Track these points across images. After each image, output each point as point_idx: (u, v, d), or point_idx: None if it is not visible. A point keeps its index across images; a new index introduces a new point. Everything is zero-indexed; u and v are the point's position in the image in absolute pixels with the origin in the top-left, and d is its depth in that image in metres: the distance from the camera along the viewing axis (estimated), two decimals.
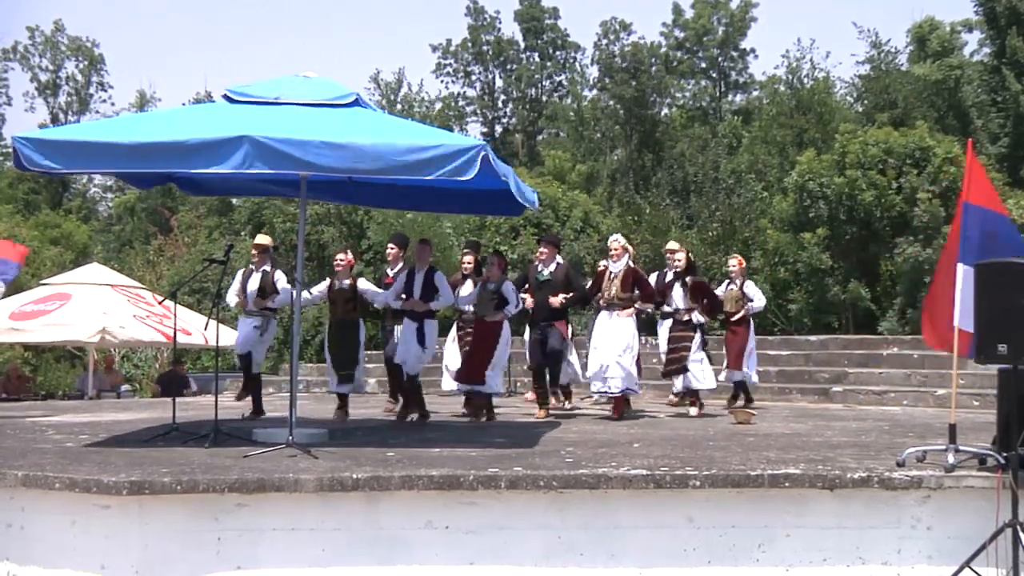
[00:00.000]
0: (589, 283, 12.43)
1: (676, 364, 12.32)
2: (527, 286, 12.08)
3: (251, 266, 11.97)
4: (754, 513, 7.03)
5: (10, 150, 9.49)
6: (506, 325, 11.49)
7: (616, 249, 11.84)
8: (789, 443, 9.16)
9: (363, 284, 11.83)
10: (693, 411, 12.60)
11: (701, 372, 12.29)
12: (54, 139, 8.10)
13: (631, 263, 11.89)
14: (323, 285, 11.91)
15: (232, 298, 11.86)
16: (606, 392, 11.79)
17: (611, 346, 11.52)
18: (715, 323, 13.89)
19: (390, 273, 12.43)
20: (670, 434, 10.07)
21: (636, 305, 11.86)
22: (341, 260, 11.83)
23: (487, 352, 11.35)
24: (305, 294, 11.55)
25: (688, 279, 12.30)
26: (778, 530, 7.02)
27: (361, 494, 6.84)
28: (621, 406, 11.91)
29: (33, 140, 7.97)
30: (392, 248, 12.70)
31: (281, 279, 11.68)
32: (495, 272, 11.40)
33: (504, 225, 26.97)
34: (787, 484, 7.00)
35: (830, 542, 7.02)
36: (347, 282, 11.69)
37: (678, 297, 12.29)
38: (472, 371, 11.46)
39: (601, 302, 11.89)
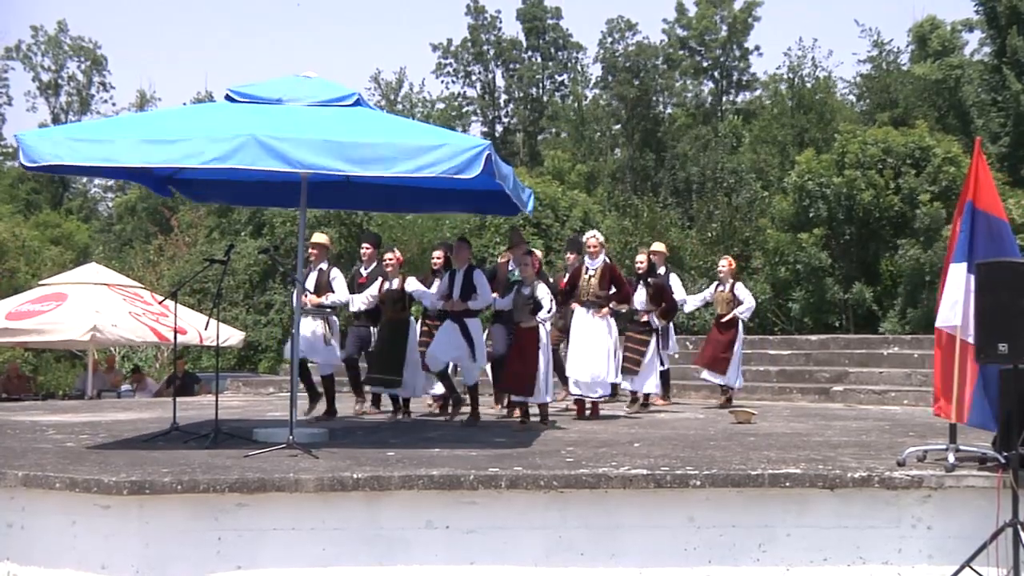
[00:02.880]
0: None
1: (630, 364, 12.23)
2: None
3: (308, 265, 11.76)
4: (755, 513, 7.03)
5: (11, 149, 9.49)
6: (543, 329, 10.93)
7: (594, 245, 11.55)
8: (790, 443, 9.16)
9: (411, 284, 11.50)
10: (627, 409, 12.69)
11: (648, 376, 12.40)
12: (57, 137, 8.10)
13: (608, 260, 11.67)
14: (375, 287, 11.64)
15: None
16: (591, 397, 11.55)
17: (592, 350, 11.33)
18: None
19: (364, 273, 12.25)
20: (671, 434, 10.07)
21: (611, 305, 11.51)
22: (390, 259, 11.58)
23: (532, 361, 10.71)
24: (360, 299, 11.70)
25: (650, 280, 12.31)
26: (779, 529, 7.02)
27: (361, 494, 6.84)
28: (597, 409, 11.81)
29: (36, 137, 7.99)
30: (367, 248, 12.53)
31: (338, 277, 11.68)
32: (529, 272, 10.92)
33: (504, 225, 26.96)
34: (788, 484, 7.00)
35: (831, 541, 7.02)
36: (396, 282, 11.51)
37: (639, 298, 12.21)
38: (519, 382, 10.84)
39: (577, 300, 11.56)
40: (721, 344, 13.53)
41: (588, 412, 11.75)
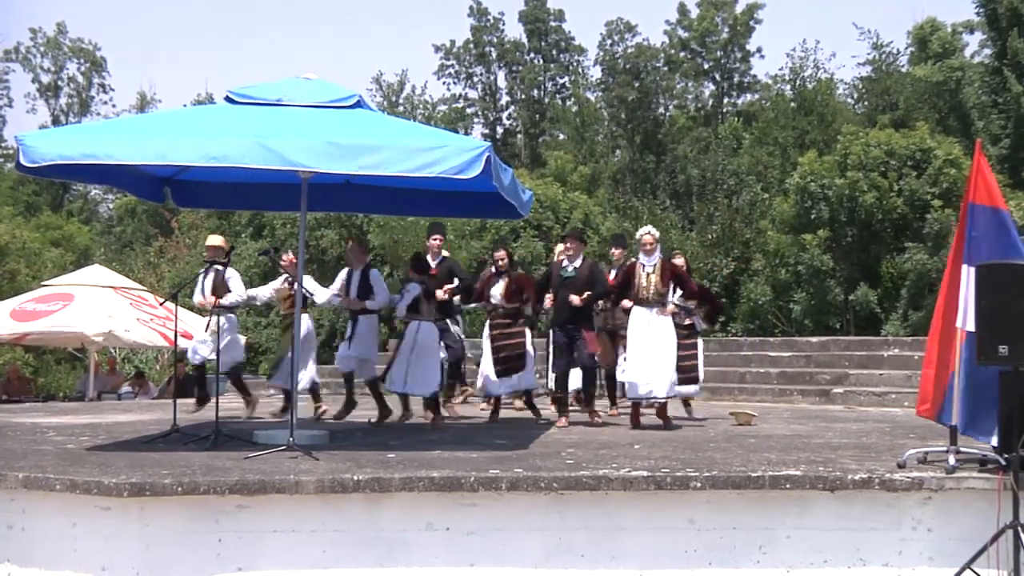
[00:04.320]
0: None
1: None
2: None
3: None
4: (755, 514, 7.03)
5: (12, 151, 9.50)
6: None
7: (648, 242, 10.88)
8: (790, 444, 9.16)
9: (307, 283, 11.72)
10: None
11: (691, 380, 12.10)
12: (57, 138, 8.10)
13: (664, 256, 11.11)
14: (277, 283, 12.22)
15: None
16: (651, 398, 10.88)
17: (658, 350, 10.65)
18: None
19: (433, 264, 12.17)
20: (671, 436, 10.07)
21: (675, 303, 10.99)
22: (287, 260, 11.86)
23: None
24: (263, 293, 12.32)
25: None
26: (779, 531, 7.02)
27: (362, 496, 6.84)
28: (666, 413, 11.19)
29: (36, 138, 7.99)
30: (437, 239, 12.54)
31: (234, 277, 11.95)
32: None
33: (504, 227, 26.99)
34: (788, 485, 7.00)
35: (831, 543, 7.02)
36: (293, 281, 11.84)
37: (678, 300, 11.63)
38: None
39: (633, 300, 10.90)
40: None
41: (659, 416, 11.16)
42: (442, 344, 11.73)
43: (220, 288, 11.75)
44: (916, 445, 8.30)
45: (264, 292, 12.45)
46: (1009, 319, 6.83)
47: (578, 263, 11.16)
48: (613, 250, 12.74)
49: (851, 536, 7.03)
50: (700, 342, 12.11)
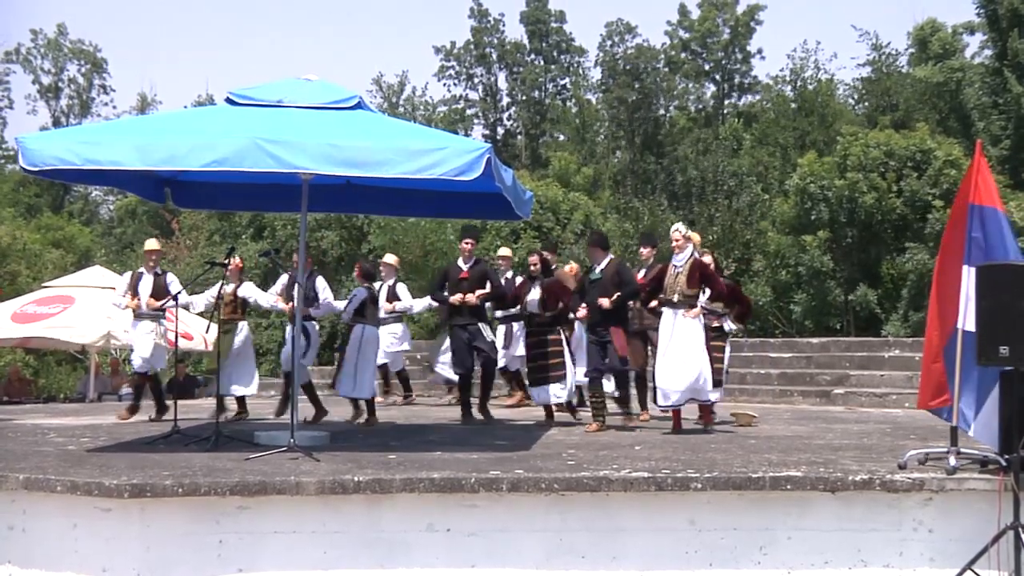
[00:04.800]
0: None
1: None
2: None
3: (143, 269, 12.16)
4: (756, 515, 7.03)
5: (13, 152, 9.51)
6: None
7: (677, 239, 10.47)
8: (790, 445, 9.16)
9: (245, 290, 12.01)
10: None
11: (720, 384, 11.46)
12: (57, 140, 8.12)
13: (697, 255, 10.54)
14: (214, 289, 11.99)
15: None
16: (676, 406, 10.43)
17: (687, 354, 10.15)
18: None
19: (464, 267, 12.14)
20: (671, 437, 10.06)
21: (702, 305, 10.50)
22: (232, 264, 11.88)
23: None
24: (200, 299, 12.14)
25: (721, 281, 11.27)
26: (780, 532, 7.02)
27: (362, 497, 6.84)
28: (708, 415, 10.79)
29: (36, 140, 8.00)
30: (468, 243, 12.41)
31: (174, 281, 12.05)
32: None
33: (505, 228, 26.97)
34: (788, 487, 7.00)
35: (832, 544, 7.02)
36: (231, 286, 11.96)
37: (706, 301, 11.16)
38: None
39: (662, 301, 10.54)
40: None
41: (700, 420, 10.81)
42: (475, 348, 11.75)
43: (160, 292, 11.78)
44: (917, 446, 8.30)
45: (200, 300, 12.31)
46: (1009, 320, 6.83)
47: (604, 264, 10.98)
48: (642, 249, 12.53)
49: (852, 537, 7.03)
50: (728, 346, 11.64)
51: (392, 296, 13.73)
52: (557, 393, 11.43)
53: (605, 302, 10.56)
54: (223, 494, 6.73)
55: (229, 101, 9.07)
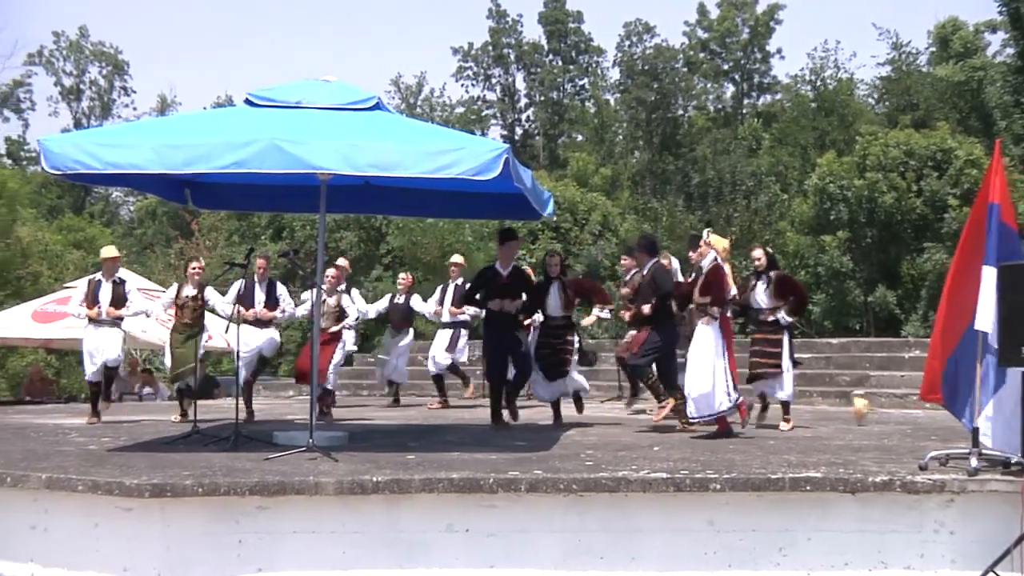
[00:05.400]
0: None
1: (762, 369, 11.18)
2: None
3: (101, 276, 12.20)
4: (775, 517, 7.00)
5: (35, 154, 9.57)
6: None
7: (699, 245, 10.48)
8: (810, 446, 9.13)
9: (209, 293, 12.07)
10: (785, 426, 11.20)
11: (785, 381, 11.20)
12: (78, 142, 8.14)
13: (718, 260, 10.35)
14: (171, 293, 12.30)
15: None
16: (704, 417, 10.18)
17: (695, 362, 10.08)
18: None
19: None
20: (690, 437, 10.03)
21: (710, 311, 10.21)
22: (195, 268, 12.17)
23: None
24: (157, 306, 12.37)
25: (771, 274, 11.20)
26: (799, 534, 6.99)
27: (381, 497, 6.85)
28: (724, 425, 10.29)
29: (58, 143, 8.04)
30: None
31: (132, 289, 12.21)
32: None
33: (522, 229, 26.97)
34: (808, 488, 6.97)
35: (852, 546, 6.98)
36: (195, 290, 12.01)
37: (759, 296, 11.19)
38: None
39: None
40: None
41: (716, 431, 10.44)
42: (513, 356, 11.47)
43: (119, 301, 11.85)
44: (938, 447, 8.25)
45: (157, 306, 12.46)
46: None
47: (646, 269, 11.12)
48: (690, 252, 12.39)
49: (872, 538, 7.00)
50: (786, 337, 11.17)
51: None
52: (577, 380, 11.74)
53: (646, 308, 10.78)
54: (243, 494, 6.75)
55: (248, 102, 9.09)
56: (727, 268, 10.58)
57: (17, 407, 16.58)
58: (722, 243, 10.67)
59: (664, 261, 11.90)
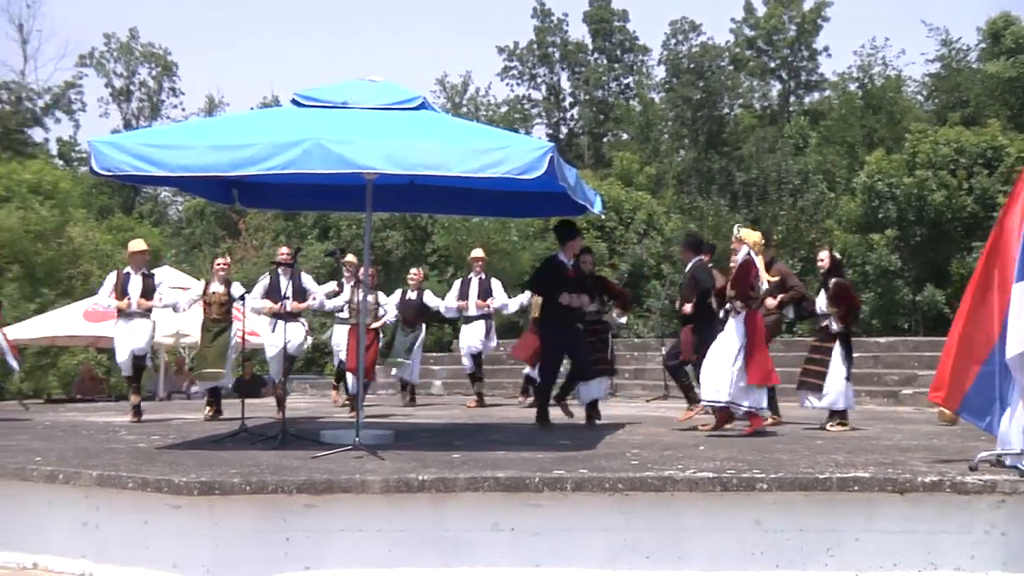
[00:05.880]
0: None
1: (809, 377, 11.00)
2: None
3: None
4: (823, 517, 6.95)
5: (86, 155, 9.70)
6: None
7: (732, 242, 10.40)
8: (858, 446, 9.05)
9: (235, 288, 12.32)
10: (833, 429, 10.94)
11: (836, 390, 10.89)
12: (127, 143, 8.23)
13: (751, 255, 10.21)
14: (199, 288, 12.77)
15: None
16: (713, 403, 10.25)
17: (710, 351, 10.19)
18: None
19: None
20: (736, 437, 9.99)
21: (736, 305, 10.14)
22: (220, 264, 12.63)
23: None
24: (184, 299, 12.66)
25: (831, 280, 10.99)
26: (847, 534, 6.93)
27: (427, 495, 6.87)
28: (758, 423, 10.26)
29: (107, 144, 8.13)
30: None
31: (163, 281, 12.52)
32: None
33: None
34: (856, 488, 6.91)
35: (900, 547, 6.92)
36: (222, 287, 12.36)
37: (820, 301, 11.08)
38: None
39: None
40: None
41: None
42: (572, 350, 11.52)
43: (149, 292, 12.03)
44: (988, 447, 8.12)
45: (183, 298, 12.64)
46: None
47: (688, 267, 11.34)
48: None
49: (922, 539, 6.92)
50: (837, 347, 10.89)
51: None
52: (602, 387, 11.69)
53: (687, 307, 11.04)
54: (290, 492, 6.80)
55: (294, 102, 9.16)
56: (759, 261, 10.35)
57: (68, 405, 16.82)
58: (753, 236, 10.41)
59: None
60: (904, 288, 23.48)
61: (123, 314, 12.00)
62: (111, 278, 12.30)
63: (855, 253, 24.14)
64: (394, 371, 15.37)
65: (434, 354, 20.90)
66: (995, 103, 31.30)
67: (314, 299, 12.53)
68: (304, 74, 75.83)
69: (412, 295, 14.96)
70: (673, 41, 48.86)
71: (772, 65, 49.34)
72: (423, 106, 9.18)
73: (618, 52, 54.13)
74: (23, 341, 21.19)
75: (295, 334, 11.96)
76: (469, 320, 14.82)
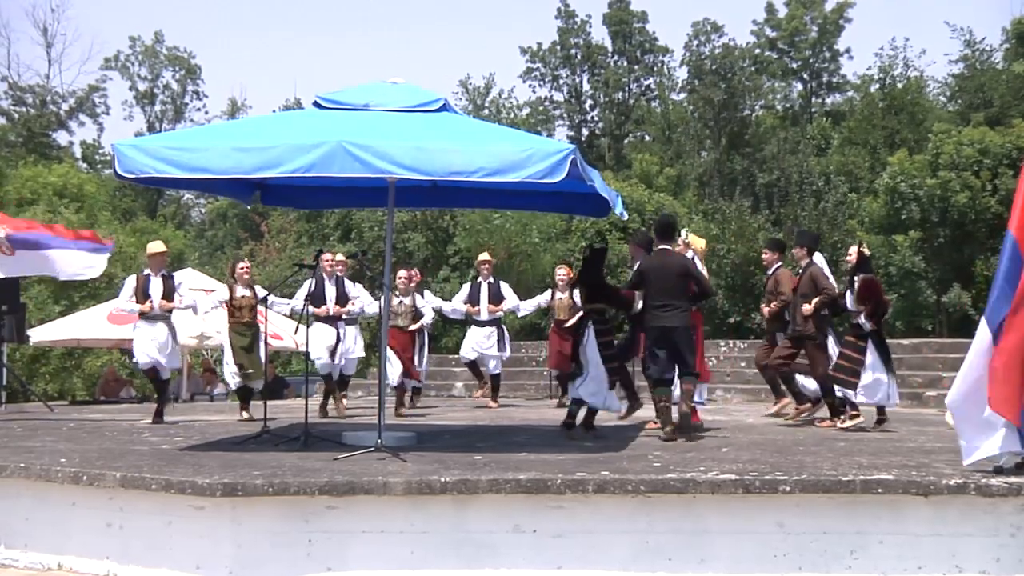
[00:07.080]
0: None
1: (842, 374, 11.09)
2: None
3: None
4: (846, 519, 6.92)
5: (109, 158, 9.76)
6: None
7: (679, 246, 10.99)
8: (881, 448, 9.01)
9: (260, 292, 12.48)
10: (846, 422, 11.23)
11: (875, 386, 11.09)
12: (151, 147, 8.26)
13: (698, 260, 10.83)
14: (223, 292, 12.78)
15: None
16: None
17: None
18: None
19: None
20: (759, 439, 9.96)
21: (768, 308, 12.11)
22: (243, 267, 12.67)
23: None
24: (208, 302, 12.75)
25: (857, 277, 11.10)
26: (871, 537, 6.90)
27: (449, 497, 6.88)
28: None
29: (131, 147, 8.17)
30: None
31: (183, 283, 12.65)
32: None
33: (590, 229, 26.94)
34: (880, 490, 6.88)
35: (925, 550, 6.87)
36: (247, 291, 12.49)
37: (849, 298, 11.20)
38: None
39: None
40: (566, 346, 13.06)
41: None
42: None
43: (170, 294, 12.09)
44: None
45: (204, 301, 12.71)
46: None
47: (772, 270, 12.17)
48: (795, 250, 12.38)
49: (946, 542, 6.88)
50: (869, 345, 11.00)
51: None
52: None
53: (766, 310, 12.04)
54: (312, 494, 6.82)
55: (316, 105, 9.18)
56: (703, 268, 10.99)
57: (92, 406, 16.92)
58: (699, 243, 11.41)
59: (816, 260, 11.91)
60: (928, 290, 23.34)
61: (144, 317, 12.03)
62: (130, 281, 12.35)
63: (878, 255, 24.01)
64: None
65: (455, 356, 20.89)
66: (1020, 103, 31.10)
67: (353, 304, 12.69)
68: (326, 77, 76.26)
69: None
70: (695, 42, 48.81)
71: (794, 66, 49.21)
72: (444, 108, 9.18)
73: (638, 53, 54.10)
74: (48, 343, 21.36)
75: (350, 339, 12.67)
76: (481, 324, 14.78)
